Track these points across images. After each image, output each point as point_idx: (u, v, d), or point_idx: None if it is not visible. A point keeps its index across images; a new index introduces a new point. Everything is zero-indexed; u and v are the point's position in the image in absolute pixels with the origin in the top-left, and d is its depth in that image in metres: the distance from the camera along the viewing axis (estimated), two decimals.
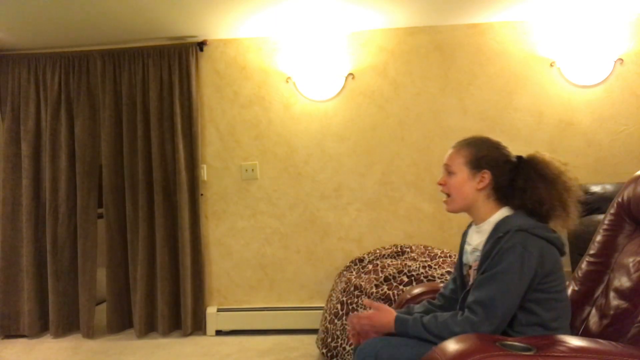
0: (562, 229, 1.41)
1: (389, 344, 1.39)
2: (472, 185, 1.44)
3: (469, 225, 1.58)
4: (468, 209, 1.48)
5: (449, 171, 1.49)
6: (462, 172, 1.46)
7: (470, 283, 1.46)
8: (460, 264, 1.57)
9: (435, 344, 1.22)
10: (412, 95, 3.23)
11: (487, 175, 1.43)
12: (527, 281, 1.29)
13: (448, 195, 1.49)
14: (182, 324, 3.17)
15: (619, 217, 1.53)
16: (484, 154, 1.45)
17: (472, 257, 1.49)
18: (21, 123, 3.26)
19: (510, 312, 1.29)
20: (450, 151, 1.52)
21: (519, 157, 1.47)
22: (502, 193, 1.44)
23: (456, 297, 1.54)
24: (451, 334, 1.25)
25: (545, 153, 1.45)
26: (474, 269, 1.46)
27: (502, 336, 1.21)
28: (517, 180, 1.42)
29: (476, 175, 1.44)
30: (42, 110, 3.27)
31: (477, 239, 1.47)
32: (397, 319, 1.40)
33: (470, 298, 1.32)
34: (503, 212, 1.43)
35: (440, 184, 1.51)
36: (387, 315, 1.43)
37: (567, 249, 1.43)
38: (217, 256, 3.31)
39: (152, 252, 3.22)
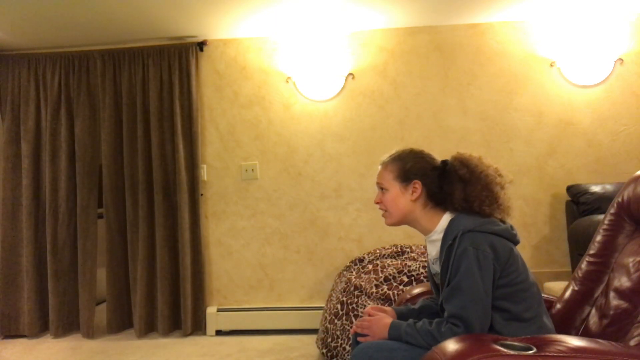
0: (506, 218, 1.43)
1: (383, 348, 1.39)
2: (406, 197, 1.47)
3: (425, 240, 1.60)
4: (408, 221, 1.51)
5: (382, 188, 1.52)
6: (394, 187, 1.49)
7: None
8: (430, 275, 1.59)
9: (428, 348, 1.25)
10: (412, 95, 3.23)
11: (418, 185, 1.46)
12: (489, 280, 1.30)
13: (385, 210, 1.52)
14: (182, 324, 3.17)
15: (619, 217, 1.53)
16: (410, 166, 1.48)
17: (436, 267, 1.50)
18: (21, 123, 3.26)
19: (486, 312, 1.31)
20: (378, 169, 1.55)
21: (444, 162, 1.50)
22: (437, 199, 1.47)
23: None
24: (436, 343, 1.27)
25: (465, 152, 1.48)
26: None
27: (501, 336, 1.20)
28: (443, 185, 1.45)
29: (408, 187, 1.47)
30: (42, 110, 3.27)
31: (432, 249, 1.50)
32: (392, 326, 1.42)
33: (447, 310, 1.33)
34: (447, 218, 1.45)
35: (376, 202, 1.54)
36: (383, 323, 1.45)
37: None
38: (217, 256, 3.31)
39: (152, 252, 3.22)
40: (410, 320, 1.40)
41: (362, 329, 1.49)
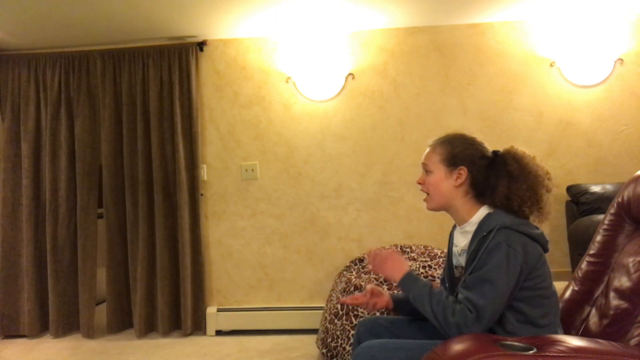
0: (538, 223, 1.42)
1: (386, 348, 1.39)
2: (449, 182, 1.45)
3: (454, 227, 1.58)
4: (448, 207, 1.49)
5: (426, 170, 1.50)
6: (439, 170, 1.46)
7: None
8: (449, 266, 1.57)
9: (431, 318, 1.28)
10: (412, 95, 3.23)
11: (463, 172, 1.44)
12: (514, 280, 1.29)
13: (427, 193, 1.50)
14: (182, 324, 3.17)
15: (619, 217, 1.53)
16: (459, 151, 1.45)
17: (462, 259, 1.49)
18: (21, 123, 3.26)
19: (498, 312, 1.30)
20: (426, 150, 1.53)
21: (495, 152, 1.47)
22: (480, 189, 1.45)
23: None
24: (444, 317, 1.28)
25: (520, 148, 1.45)
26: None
27: (501, 336, 1.20)
28: (490, 177, 1.43)
29: (453, 172, 1.45)
30: (42, 110, 3.27)
31: (462, 240, 1.48)
32: (408, 274, 1.40)
33: (463, 293, 1.31)
34: (483, 212, 1.43)
35: (419, 183, 1.53)
36: (401, 265, 1.44)
37: (550, 246, 1.42)
38: (217, 256, 3.31)
39: (152, 252, 3.22)
40: (427, 282, 1.38)
41: (375, 259, 1.48)
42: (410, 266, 1.51)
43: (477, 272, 1.31)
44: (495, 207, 1.42)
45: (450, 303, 1.31)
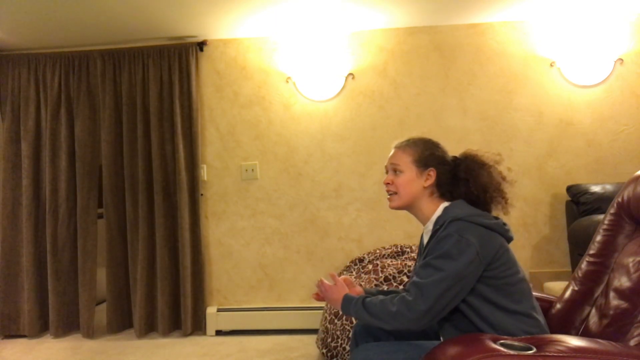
0: (503, 214, 1.46)
1: (382, 350, 1.39)
2: (419, 183, 1.48)
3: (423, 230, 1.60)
4: (411, 206, 1.51)
5: (395, 170, 1.52)
6: (410, 171, 1.49)
7: None
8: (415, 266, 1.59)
9: (387, 326, 1.29)
10: (412, 95, 3.23)
11: (433, 173, 1.47)
12: (467, 268, 1.29)
13: (395, 193, 1.52)
14: (182, 324, 3.17)
15: (619, 217, 1.53)
16: (429, 153, 1.50)
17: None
18: (21, 123, 3.26)
19: (450, 294, 1.29)
20: (394, 150, 1.56)
21: (454, 157, 1.53)
22: (443, 190, 1.49)
23: None
24: (388, 313, 1.29)
25: (473, 149, 1.52)
26: None
27: (501, 336, 1.20)
28: (458, 173, 1.47)
29: (423, 173, 1.48)
30: (42, 110, 3.27)
31: (426, 239, 1.51)
32: (344, 298, 1.43)
33: (409, 281, 1.35)
34: (442, 207, 1.46)
35: (386, 183, 1.54)
36: (338, 292, 1.46)
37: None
38: (217, 256, 3.31)
39: (152, 252, 3.22)
40: (359, 298, 1.40)
41: (320, 292, 1.50)
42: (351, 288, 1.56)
43: (427, 258, 1.34)
44: (455, 199, 1.47)
45: (388, 298, 1.33)
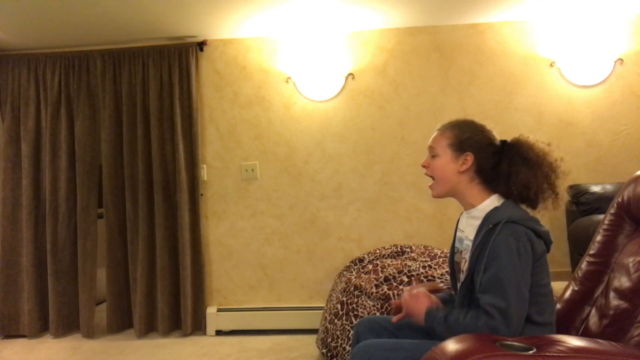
0: (553, 209, 1.41)
1: (383, 347, 1.38)
2: (454, 167, 1.43)
3: (462, 213, 1.56)
4: (453, 193, 1.47)
5: (432, 154, 1.48)
6: (446, 155, 1.44)
7: (461, 271, 1.46)
8: (452, 254, 1.56)
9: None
10: (412, 95, 3.23)
11: (469, 158, 1.42)
12: (528, 273, 1.28)
13: (432, 178, 1.48)
14: (182, 324, 3.17)
15: (619, 217, 1.53)
16: (467, 137, 1.44)
17: (464, 245, 1.47)
18: (21, 123, 3.26)
19: (524, 310, 1.27)
20: (434, 133, 1.50)
21: (503, 141, 1.47)
22: (486, 177, 1.43)
23: None
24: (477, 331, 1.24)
25: (529, 136, 1.45)
26: (463, 258, 1.45)
27: (500, 336, 1.20)
28: (501, 164, 1.41)
29: (459, 157, 1.43)
30: (42, 110, 3.27)
31: (468, 225, 1.46)
32: (427, 313, 1.37)
33: (483, 299, 1.28)
34: (492, 201, 1.41)
35: (423, 166, 1.50)
36: (421, 305, 1.39)
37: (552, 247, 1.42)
38: (217, 256, 3.31)
39: (152, 252, 3.22)
40: (441, 314, 1.34)
41: (407, 298, 1.43)
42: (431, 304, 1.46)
43: (490, 269, 1.29)
44: (505, 198, 1.40)
45: (470, 322, 1.27)
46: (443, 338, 1.24)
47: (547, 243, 1.37)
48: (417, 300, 1.41)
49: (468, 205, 1.46)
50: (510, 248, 1.27)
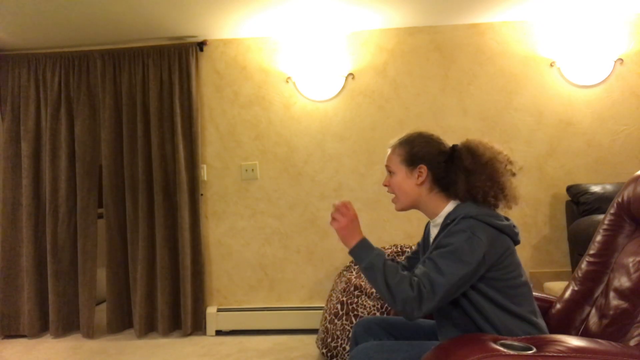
0: (507, 209, 1.42)
1: (382, 349, 1.39)
2: (411, 182, 1.46)
3: (428, 222, 1.59)
4: (416, 205, 1.49)
5: (389, 171, 1.52)
6: (401, 171, 1.48)
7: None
8: (418, 256, 1.58)
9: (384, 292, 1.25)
10: (412, 95, 3.23)
11: (423, 170, 1.45)
12: (473, 266, 1.27)
13: (394, 195, 1.51)
14: (182, 324, 3.17)
15: (619, 217, 1.53)
16: (417, 150, 1.48)
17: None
18: (21, 123, 3.26)
19: (451, 293, 1.28)
20: (387, 152, 1.55)
21: (453, 147, 1.49)
22: (443, 185, 1.46)
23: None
24: (403, 292, 1.24)
25: (476, 139, 1.47)
26: None
27: (501, 336, 1.20)
28: (450, 172, 1.44)
29: (413, 171, 1.46)
30: (42, 110, 3.27)
31: (434, 232, 1.49)
32: (362, 241, 1.36)
33: (421, 269, 1.29)
34: (452, 204, 1.44)
35: (385, 185, 1.54)
36: (355, 230, 1.38)
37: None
38: (217, 256, 3.31)
39: (152, 252, 3.22)
40: (381, 253, 1.33)
41: (335, 218, 1.40)
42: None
43: (437, 250, 1.31)
44: (464, 201, 1.43)
45: (407, 276, 1.28)
46: (366, 277, 1.29)
47: (512, 236, 1.37)
48: (354, 223, 1.39)
49: (432, 215, 1.49)
50: (463, 236, 1.29)
